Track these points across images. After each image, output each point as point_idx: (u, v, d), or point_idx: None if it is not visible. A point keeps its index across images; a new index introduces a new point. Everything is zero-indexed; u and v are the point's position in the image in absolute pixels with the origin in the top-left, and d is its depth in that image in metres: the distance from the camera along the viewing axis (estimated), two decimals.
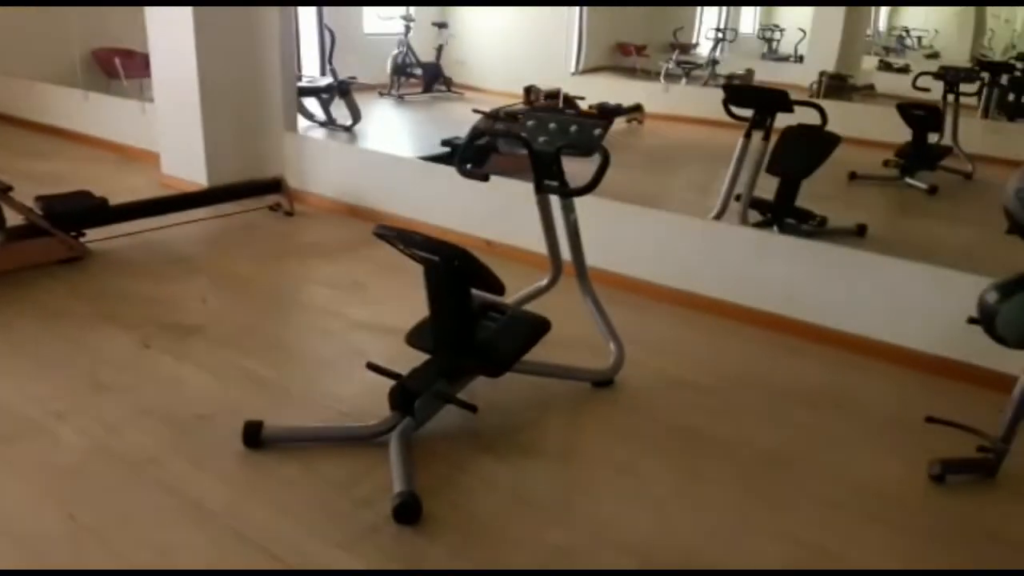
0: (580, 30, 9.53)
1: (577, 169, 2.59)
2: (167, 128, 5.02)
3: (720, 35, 10.60)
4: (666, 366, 2.92)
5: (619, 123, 8.16)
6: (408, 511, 1.96)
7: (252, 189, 4.47)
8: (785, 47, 10.44)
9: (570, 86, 8.08)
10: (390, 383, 2.36)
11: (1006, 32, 9.16)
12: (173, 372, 2.70)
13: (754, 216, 4.26)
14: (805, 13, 9.86)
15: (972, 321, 2.23)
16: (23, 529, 1.92)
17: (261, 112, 4.93)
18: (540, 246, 3.86)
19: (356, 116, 7.14)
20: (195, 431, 2.35)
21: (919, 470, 2.32)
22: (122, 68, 7.31)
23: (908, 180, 5.83)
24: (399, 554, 1.89)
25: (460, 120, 8.81)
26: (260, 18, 4.73)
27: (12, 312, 3.09)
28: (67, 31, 7.09)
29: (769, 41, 10.75)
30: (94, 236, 3.79)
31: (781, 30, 10.70)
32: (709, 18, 10.95)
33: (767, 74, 9.38)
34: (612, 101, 7.87)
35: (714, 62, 10.08)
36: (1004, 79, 7.36)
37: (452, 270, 2.21)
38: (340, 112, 7.11)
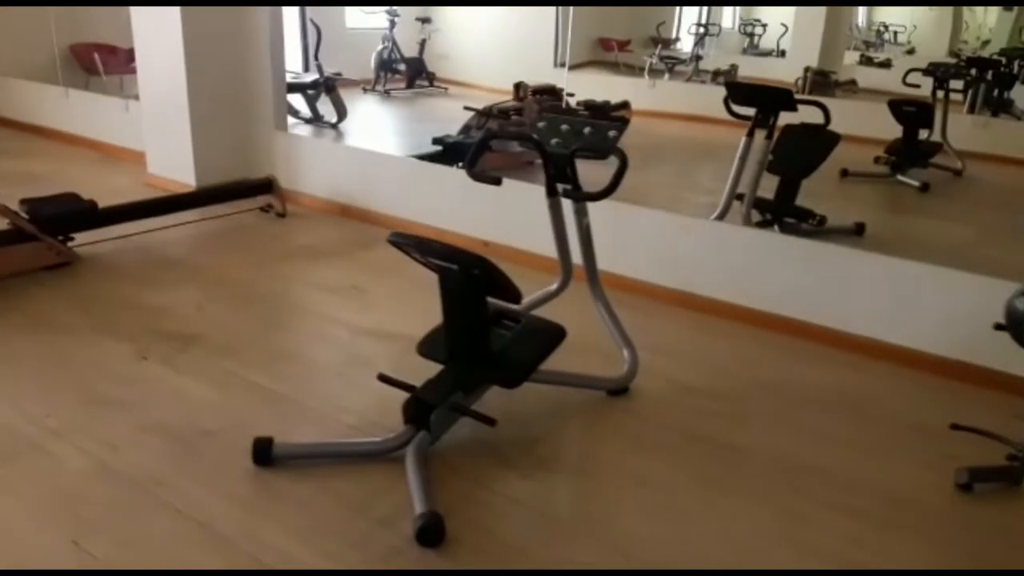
0: (558, 25, 9.45)
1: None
2: (153, 127, 4.88)
3: (703, 30, 10.57)
4: (677, 372, 2.87)
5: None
6: (432, 533, 1.89)
7: (243, 190, 4.36)
8: (767, 42, 10.43)
9: (554, 82, 8.01)
10: (400, 394, 2.28)
11: (979, 26, 9.21)
12: (173, 385, 2.60)
13: (754, 215, 4.21)
14: (787, 8, 9.85)
15: (999, 328, 2.19)
16: (26, 557, 1.83)
17: (250, 110, 4.81)
18: (538, 247, 3.83)
19: (342, 113, 7.03)
20: (200, 448, 2.26)
21: (944, 478, 2.28)
22: (101, 64, 7.13)
23: (899, 177, 5.83)
24: None
25: (448, 117, 8.70)
26: (249, 13, 4.61)
27: (3, 324, 2.97)
28: (44, 25, 6.90)
29: (751, 36, 10.74)
30: (81, 240, 3.67)
31: (763, 25, 10.68)
32: (690, 13, 10.92)
33: (750, 70, 9.34)
34: (598, 98, 7.80)
35: (697, 58, 10.04)
36: (989, 75, 7.39)
37: (470, 279, 2.13)
38: (325, 109, 6.99)
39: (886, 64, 9.13)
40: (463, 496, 2.10)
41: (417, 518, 1.91)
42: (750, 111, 4.15)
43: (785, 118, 4.17)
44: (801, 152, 4.20)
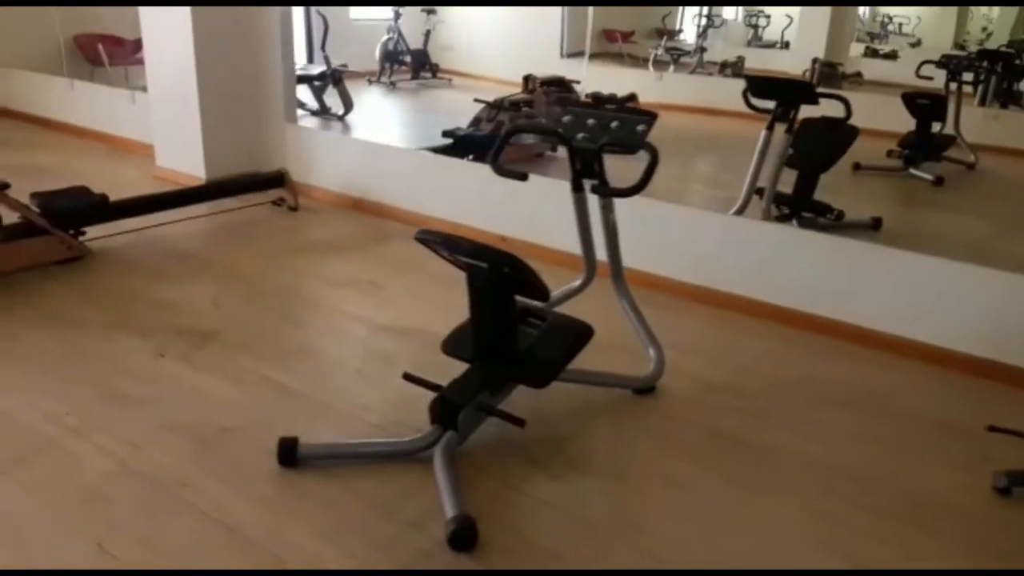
0: (563, 16, 9.40)
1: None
2: (161, 119, 4.83)
3: (709, 22, 10.49)
4: (702, 370, 2.82)
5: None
6: (465, 537, 1.85)
7: (256, 183, 4.30)
8: (771, 34, 10.36)
9: (561, 73, 7.95)
10: (423, 392, 2.25)
11: (983, 17, 9.15)
12: (192, 382, 2.56)
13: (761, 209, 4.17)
14: None
15: None
16: (52, 561, 1.79)
17: (260, 102, 4.76)
18: (557, 242, 3.78)
19: (348, 105, 6.97)
20: (222, 447, 2.22)
21: (978, 480, 2.25)
22: (106, 55, 7.06)
23: (912, 171, 5.78)
24: None
25: (455, 109, 8.63)
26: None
27: (16, 319, 2.92)
28: (48, 16, 6.83)
29: (755, 28, 10.67)
30: (92, 234, 3.62)
31: (767, 16, 10.61)
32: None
33: (754, 61, 9.30)
34: (604, 90, 7.76)
35: (702, 49, 9.98)
36: (999, 67, 7.33)
37: (499, 277, 2.09)
38: (331, 101, 6.93)
39: (892, 56, 9.07)
40: (492, 497, 2.06)
41: (449, 522, 1.87)
42: (769, 104, 4.11)
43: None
44: (821, 146, 4.15)
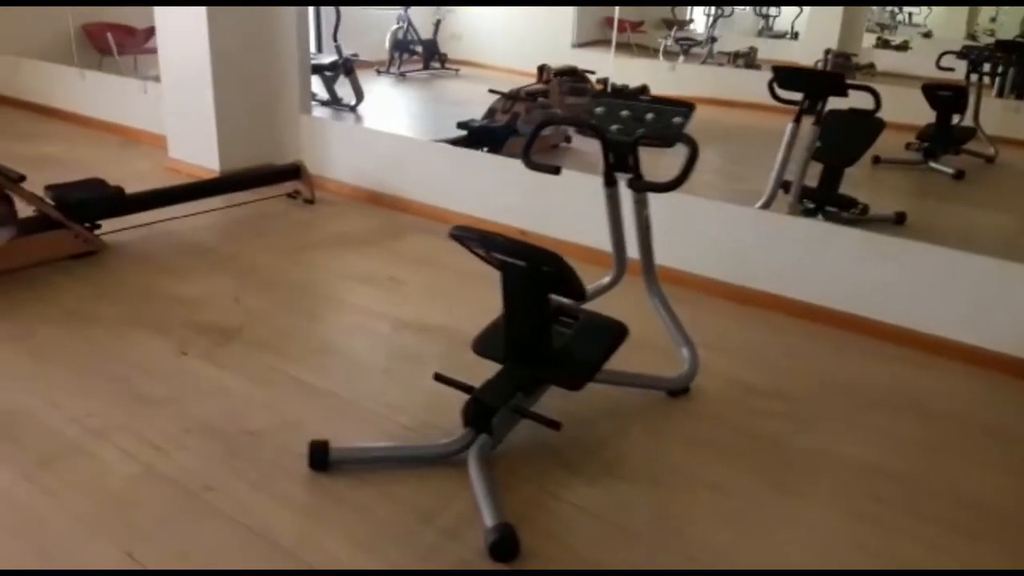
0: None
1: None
2: (175, 109, 4.75)
3: (720, 12, 10.37)
4: (735, 370, 2.76)
5: None
6: (507, 548, 1.78)
7: (271, 175, 4.24)
8: (781, 24, 10.24)
9: (570, 62, 7.86)
10: (453, 392, 2.18)
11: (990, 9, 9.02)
12: (215, 382, 2.50)
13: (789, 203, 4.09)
14: None
15: None
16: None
17: (275, 93, 4.68)
18: (579, 237, 3.72)
19: (360, 95, 6.89)
20: (250, 450, 2.16)
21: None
22: (115, 44, 6.98)
23: (932, 164, 5.69)
24: None
25: (465, 99, 8.56)
26: None
27: (33, 316, 2.86)
28: (57, 5, 6.75)
29: (766, 18, 10.55)
30: (107, 227, 3.55)
31: (774, 5, 10.48)
32: None
33: (765, 52, 9.19)
34: (617, 81, 7.67)
35: (712, 39, 9.86)
36: (1013, 57, 7.23)
37: (538, 276, 2.02)
38: (342, 91, 6.85)
39: (904, 47, 8.95)
40: (529, 504, 2.00)
41: (490, 531, 1.80)
42: (794, 96, 4.03)
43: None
44: (848, 139, 4.08)
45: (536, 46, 8.89)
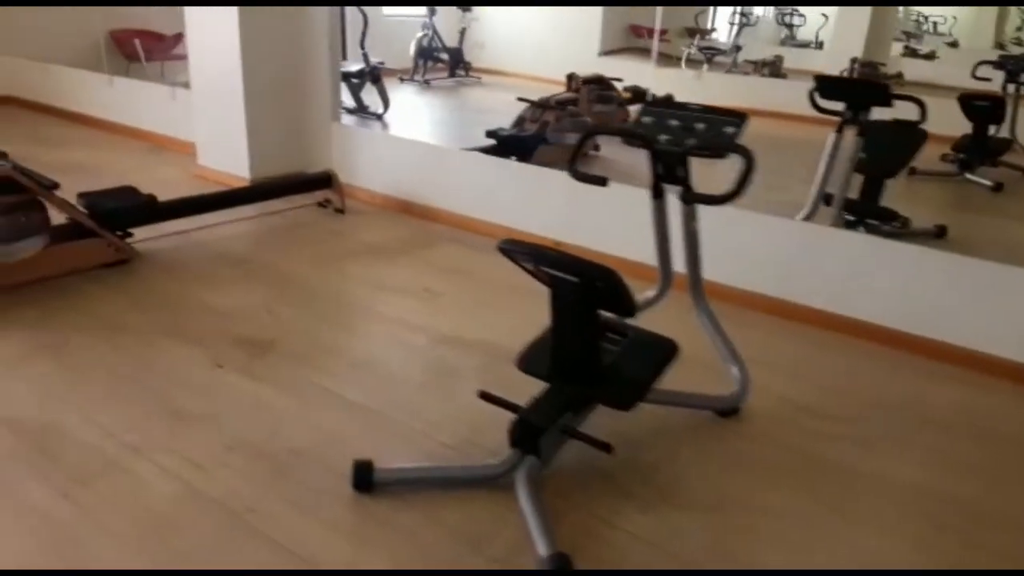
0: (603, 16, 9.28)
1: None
2: (204, 116, 4.72)
3: (744, 20, 10.28)
4: (786, 389, 2.67)
5: None
6: None
7: (303, 184, 4.19)
8: (805, 33, 10.14)
9: (596, 70, 7.81)
10: (493, 408, 2.11)
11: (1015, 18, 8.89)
12: (253, 396, 2.44)
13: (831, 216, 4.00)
14: None
15: None
16: None
17: (305, 100, 4.64)
18: (616, 249, 3.64)
19: (387, 103, 6.86)
20: (291, 469, 2.10)
21: None
22: (142, 50, 6.99)
23: (969, 176, 5.58)
24: None
25: (490, 107, 8.52)
26: None
27: (67, 325, 2.82)
28: (85, 10, 6.78)
29: (790, 27, 10.45)
30: (139, 236, 3.52)
31: (802, 15, 10.39)
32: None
33: (789, 61, 9.12)
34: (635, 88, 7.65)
35: (737, 48, 9.78)
36: None
37: (590, 293, 1.95)
38: (368, 99, 6.82)
39: (931, 56, 8.84)
40: (582, 531, 1.92)
41: (544, 560, 1.73)
42: (836, 106, 3.94)
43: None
44: (891, 150, 3.98)
45: (561, 54, 8.86)
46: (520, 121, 5.78)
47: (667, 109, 2.48)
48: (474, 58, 9.85)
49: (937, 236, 4.19)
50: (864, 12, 8.71)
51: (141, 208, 3.45)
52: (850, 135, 3.83)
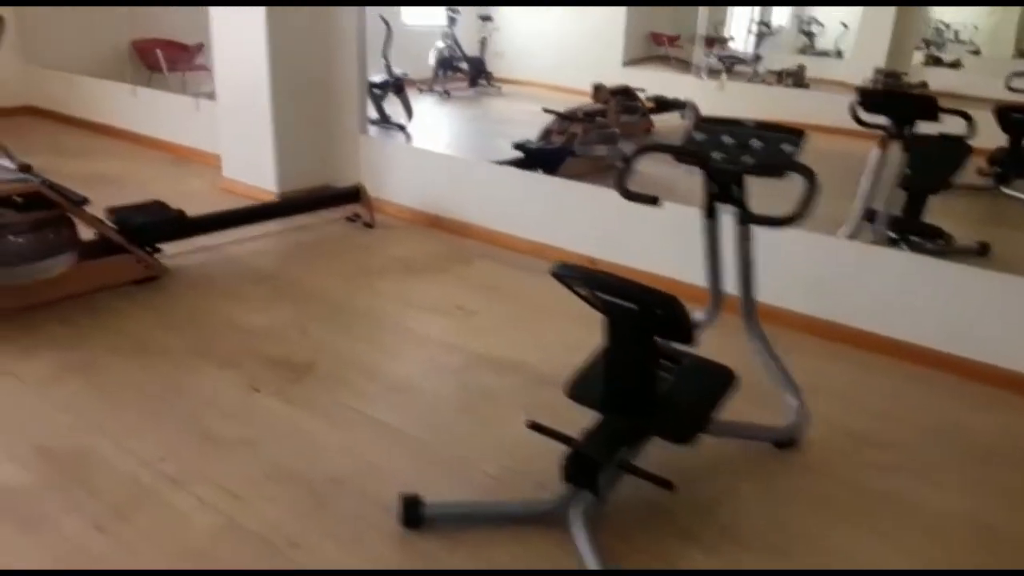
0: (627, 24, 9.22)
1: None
2: (230, 128, 4.66)
3: (765, 29, 10.18)
4: (840, 416, 2.57)
5: (675, 117, 7.83)
6: None
7: (332, 198, 4.12)
8: (824, 42, 10.03)
9: (621, 79, 7.73)
10: (538, 436, 2.01)
11: None
12: (291, 423, 2.36)
13: (872, 231, 3.89)
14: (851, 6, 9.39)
15: None
16: None
17: (332, 113, 4.58)
18: (651, 266, 3.55)
19: (410, 114, 6.80)
20: (334, 501, 2.01)
21: None
22: (165, 60, 6.97)
23: (1005, 190, 5.44)
24: None
25: (512, 118, 8.45)
26: (337, 8, 4.36)
27: (98, 346, 2.75)
28: (108, 21, 6.77)
29: (810, 35, 10.34)
30: (167, 251, 3.46)
31: (820, 24, 10.28)
32: (740, 10, 10.49)
33: (810, 70, 9.01)
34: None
35: (757, 58, 9.67)
36: None
37: (650, 321, 1.85)
38: (391, 110, 6.75)
39: (956, 65, 8.69)
40: None
41: None
42: (880, 120, 3.84)
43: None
44: (936, 165, 3.88)
45: (584, 64, 8.79)
46: (546, 133, 5.70)
47: (721, 125, 2.39)
48: (494, 68, 9.79)
49: (979, 254, 4.07)
50: (887, 20, 8.58)
51: (171, 224, 3.38)
52: (894, 149, 3.72)
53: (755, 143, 2.30)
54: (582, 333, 3.03)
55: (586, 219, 3.81)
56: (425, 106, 8.44)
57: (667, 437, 2.05)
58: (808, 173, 2.07)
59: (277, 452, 2.20)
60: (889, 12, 8.61)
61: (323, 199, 4.11)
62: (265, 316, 3.06)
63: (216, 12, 4.43)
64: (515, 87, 9.68)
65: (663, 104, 7.91)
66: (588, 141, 5.50)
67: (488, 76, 9.59)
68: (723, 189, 2.27)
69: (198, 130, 5.31)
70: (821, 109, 7.63)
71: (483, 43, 9.62)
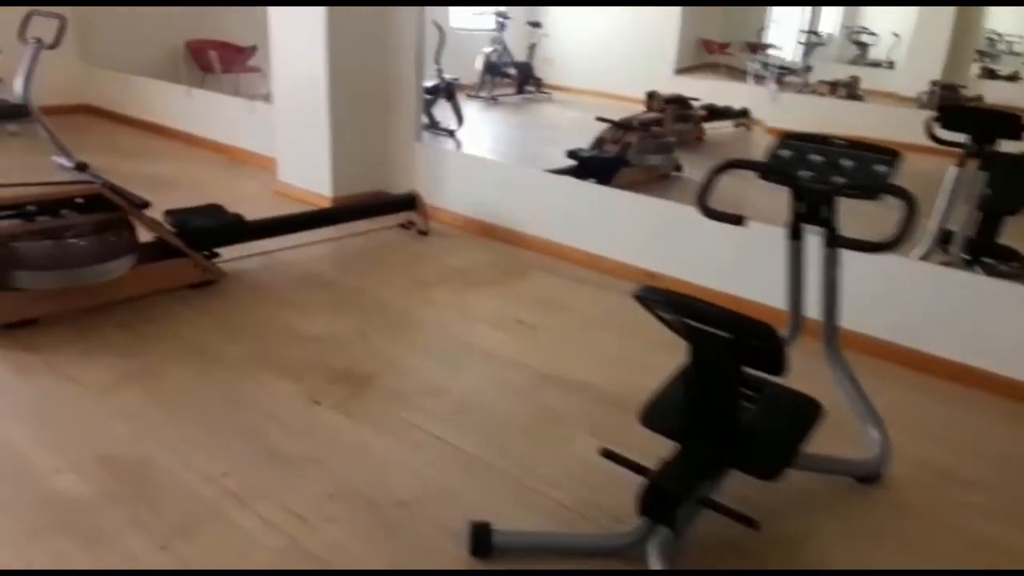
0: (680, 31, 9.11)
1: None
2: (286, 131, 4.64)
3: (814, 38, 9.97)
4: (925, 451, 2.43)
5: (726, 126, 7.70)
6: None
7: (388, 205, 4.07)
8: (876, 52, 9.78)
9: (671, 87, 7.61)
10: (608, 463, 1.93)
11: None
12: (354, 439, 2.30)
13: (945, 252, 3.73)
14: (901, 15, 9.18)
15: None
16: None
17: (388, 118, 4.54)
18: (714, 282, 3.44)
19: (460, 120, 6.75)
20: (401, 525, 1.94)
21: None
22: (218, 61, 7.01)
23: None
24: None
25: (564, 126, 8.37)
26: (396, 13, 4.32)
27: (157, 353, 2.72)
28: (163, 21, 6.83)
29: (861, 45, 10.10)
30: (224, 255, 3.43)
31: (871, 33, 10.03)
32: (782, 17, 10.28)
33: (863, 81, 8.80)
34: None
35: (807, 68, 9.47)
36: None
37: (743, 351, 1.75)
38: (440, 115, 6.71)
39: (1014, 77, 8.42)
40: None
41: None
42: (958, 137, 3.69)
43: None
44: (1010, 184, 3.71)
45: (635, 71, 8.68)
46: (599, 142, 5.61)
47: (808, 142, 2.28)
48: (542, 74, 9.72)
49: None
50: (943, 31, 8.35)
51: (229, 228, 3.36)
52: (972, 168, 3.57)
53: (846, 162, 2.19)
54: (642, 350, 2.94)
55: (644, 231, 3.71)
56: (471, 111, 8.39)
57: (752, 472, 1.95)
58: (907, 196, 1.95)
59: (340, 470, 2.14)
60: (945, 22, 8.37)
61: (379, 206, 4.07)
62: (323, 324, 3.01)
63: (275, 14, 4.42)
64: (563, 93, 9.61)
65: (715, 113, 7.79)
66: (643, 150, 5.40)
67: (537, 82, 9.53)
68: (811, 210, 2.16)
69: (252, 132, 5.31)
70: (882, 122, 7.44)
71: (532, 49, 9.57)
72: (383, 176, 4.58)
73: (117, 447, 2.18)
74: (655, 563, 1.76)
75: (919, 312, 3.02)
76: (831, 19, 10.44)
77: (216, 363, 2.68)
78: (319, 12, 4.12)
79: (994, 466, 2.38)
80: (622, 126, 5.50)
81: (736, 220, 2.24)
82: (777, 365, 1.81)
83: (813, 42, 9.87)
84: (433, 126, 6.79)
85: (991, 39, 9.59)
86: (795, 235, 2.25)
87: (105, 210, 2.97)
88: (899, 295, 3.08)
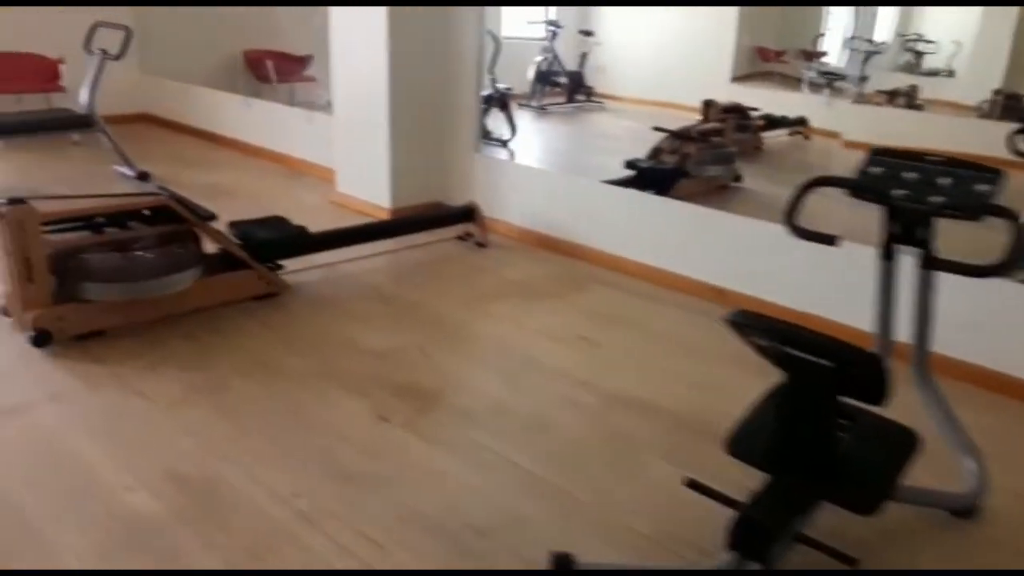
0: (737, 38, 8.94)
1: None
2: (346, 143, 4.64)
3: (869, 45, 9.71)
4: (1015, 482, 2.29)
5: (782, 135, 7.53)
6: None
7: (447, 217, 4.03)
8: (935, 61, 9.49)
9: (729, 96, 7.48)
10: (688, 492, 1.85)
11: None
12: (425, 459, 2.24)
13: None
14: (959, 21, 8.87)
15: None
16: None
17: (447, 130, 4.51)
18: (789, 301, 3.31)
19: (514, 130, 6.70)
20: (475, 553, 1.88)
21: None
22: (274, 71, 7.07)
23: None
24: None
25: (616, 135, 8.26)
26: (456, 22, 4.29)
27: (223, 365, 2.70)
28: (221, 31, 6.91)
29: (918, 54, 9.82)
30: (287, 268, 3.41)
31: (927, 41, 9.74)
32: (836, 24, 10.02)
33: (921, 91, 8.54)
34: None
35: (863, 78, 9.22)
36: None
37: (845, 381, 1.65)
38: (491, 124, 6.66)
39: None
40: None
41: None
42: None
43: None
44: None
45: (689, 80, 8.54)
46: (656, 152, 5.51)
47: (902, 160, 2.17)
48: (594, 83, 9.63)
49: None
50: (1004, 38, 8.07)
51: (293, 240, 3.34)
52: None
53: (943, 180, 2.07)
54: (711, 371, 2.84)
55: (714, 246, 3.60)
56: (523, 121, 8.34)
57: (849, 506, 1.84)
58: (1014, 218, 1.83)
59: (413, 493, 2.08)
60: (1007, 29, 8.09)
61: (438, 218, 4.03)
62: (386, 338, 2.97)
63: (336, 20, 4.41)
64: (615, 102, 9.50)
65: (774, 122, 7.63)
66: (703, 161, 5.29)
67: (588, 91, 9.44)
68: (906, 230, 2.05)
69: (311, 143, 5.33)
70: (947, 135, 7.21)
71: (583, 58, 9.49)
72: (441, 187, 4.54)
73: (185, 463, 2.16)
74: None
75: (1018, 338, 2.87)
76: (884, 26, 10.15)
77: (281, 376, 2.65)
78: (381, 22, 4.10)
79: None
80: (680, 136, 5.39)
81: (829, 240, 2.13)
82: (880, 395, 1.71)
83: (868, 51, 9.63)
84: (486, 136, 6.75)
85: None
86: (887, 255, 2.14)
87: (171, 222, 2.97)
88: (998, 319, 2.93)
